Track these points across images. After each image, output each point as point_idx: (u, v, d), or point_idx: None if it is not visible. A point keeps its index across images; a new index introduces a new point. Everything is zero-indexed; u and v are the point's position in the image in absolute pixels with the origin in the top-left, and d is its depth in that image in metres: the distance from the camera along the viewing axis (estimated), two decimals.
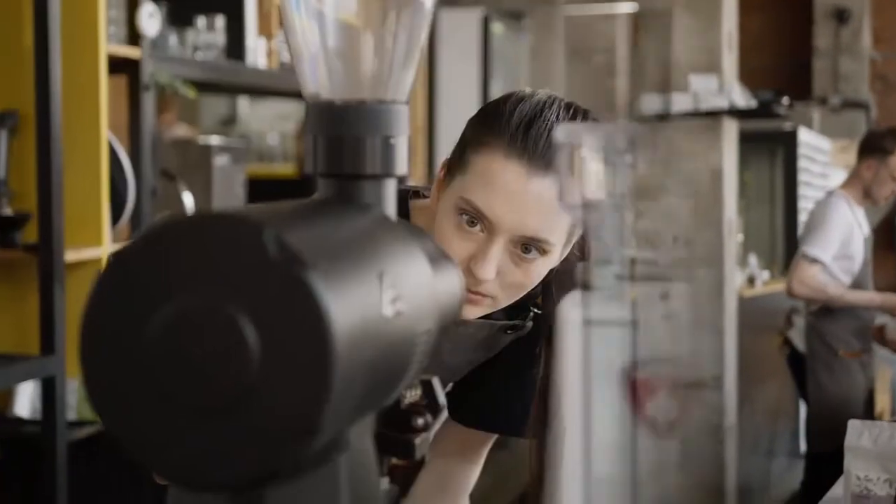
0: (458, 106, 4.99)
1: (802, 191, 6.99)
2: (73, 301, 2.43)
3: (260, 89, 3.85)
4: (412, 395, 0.83)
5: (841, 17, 9.38)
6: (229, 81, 3.23)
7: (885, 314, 4.43)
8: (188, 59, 2.99)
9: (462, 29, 5.56)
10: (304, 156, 0.81)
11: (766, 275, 5.84)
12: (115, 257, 0.62)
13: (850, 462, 1.90)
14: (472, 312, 1.28)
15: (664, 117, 5.06)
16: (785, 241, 6.86)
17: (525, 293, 1.30)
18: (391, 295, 0.69)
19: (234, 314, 0.61)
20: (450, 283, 0.85)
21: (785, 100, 5.75)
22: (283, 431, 0.60)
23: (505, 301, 1.28)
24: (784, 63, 8.99)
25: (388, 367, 0.70)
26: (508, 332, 1.40)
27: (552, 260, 1.28)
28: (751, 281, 5.54)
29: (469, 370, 1.43)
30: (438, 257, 0.85)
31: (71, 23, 2.49)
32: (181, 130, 4.16)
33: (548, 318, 1.36)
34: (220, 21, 3.05)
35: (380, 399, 0.72)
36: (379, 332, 0.67)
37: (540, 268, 1.27)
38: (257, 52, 3.27)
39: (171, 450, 0.61)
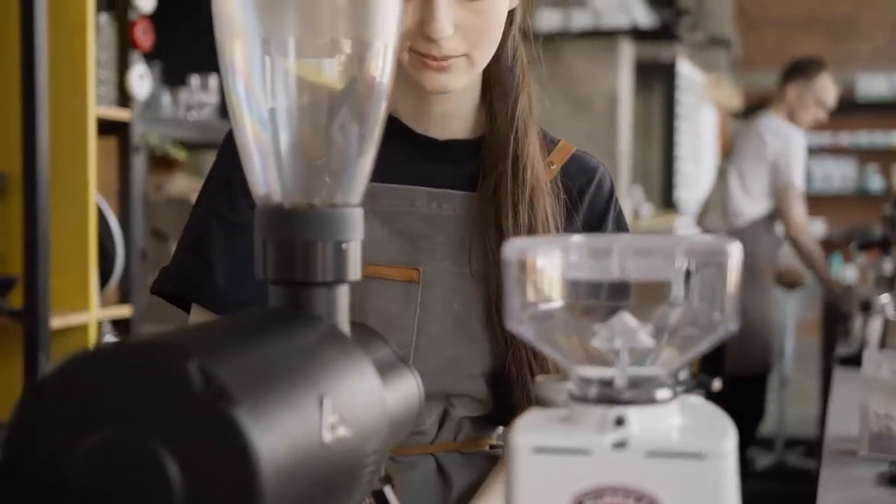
0: None
1: (677, 124, 6.95)
2: None
3: None
4: None
5: None
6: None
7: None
8: (181, 118, 2.98)
9: None
10: (255, 261, 0.78)
11: (648, 207, 5.83)
12: (35, 388, 0.59)
13: (868, 397, 1.71)
14: (453, 81, 1.18)
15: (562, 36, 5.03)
16: (661, 174, 6.79)
17: (495, 40, 1.19)
18: (332, 420, 0.66)
19: (157, 449, 0.58)
20: (405, 391, 0.82)
21: (686, 20, 5.69)
22: None
23: (481, 56, 1.19)
24: None
25: (328, 494, 0.66)
26: None
27: None
28: (635, 214, 5.54)
29: None
30: (393, 365, 0.82)
31: (60, 84, 2.47)
32: (181, 181, 4.14)
33: None
34: (213, 80, 3.04)
35: None
36: (318, 461, 0.63)
37: (496, 5, 1.17)
38: None
39: None
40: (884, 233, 4.38)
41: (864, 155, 10.21)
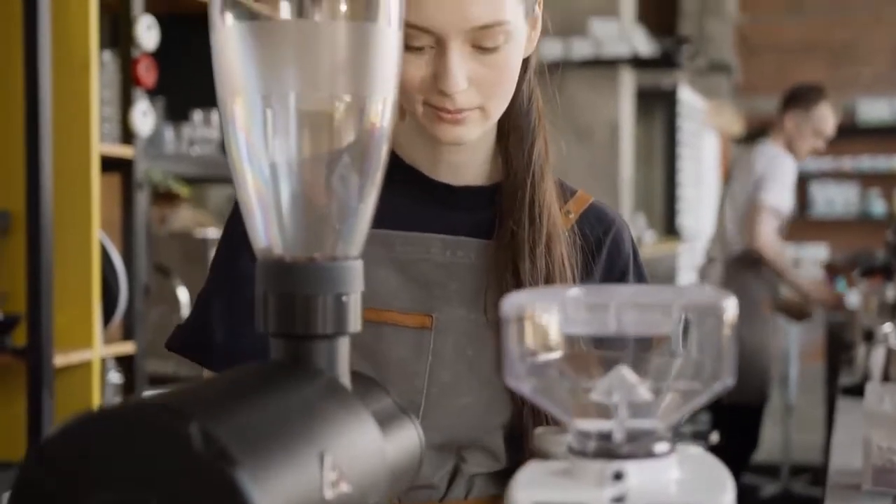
0: None
1: (679, 150, 6.96)
2: (62, 407, 2.40)
3: None
4: None
5: None
6: (225, 176, 3.22)
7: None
8: (183, 154, 2.99)
9: None
10: (255, 313, 0.79)
11: (651, 235, 5.83)
12: (37, 450, 0.60)
13: (869, 430, 1.71)
14: (467, 133, 1.17)
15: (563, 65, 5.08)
16: (664, 201, 6.80)
17: (510, 91, 1.18)
18: (333, 476, 0.66)
19: None
20: (406, 442, 0.82)
21: (687, 49, 5.71)
22: None
23: (495, 108, 1.17)
24: (652, 21, 9.02)
25: None
26: None
27: (519, 42, 1.17)
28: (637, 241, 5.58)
29: None
30: (393, 415, 0.82)
31: (63, 121, 2.49)
32: (185, 213, 4.16)
33: None
34: (216, 115, 3.06)
35: None
36: None
37: (510, 56, 1.15)
38: None
39: None
40: (887, 258, 4.38)
41: (867, 179, 10.22)
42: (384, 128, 0.79)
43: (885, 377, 2.74)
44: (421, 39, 1.12)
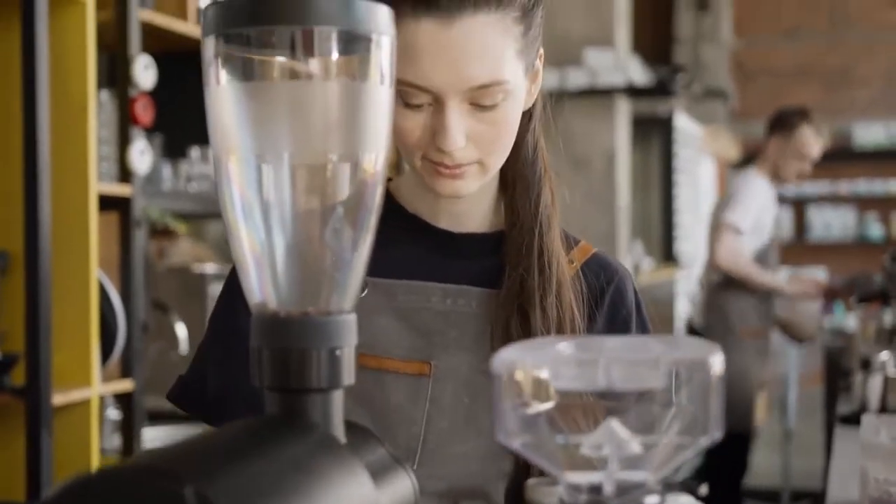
0: None
1: (675, 177, 6.98)
2: (61, 445, 2.41)
3: None
4: None
5: (702, 4, 9.49)
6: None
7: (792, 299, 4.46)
8: (181, 190, 3.01)
9: None
10: (251, 367, 0.80)
11: (649, 261, 5.83)
12: None
13: (866, 462, 1.71)
14: (466, 187, 1.17)
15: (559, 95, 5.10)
16: (661, 228, 6.81)
17: (508, 145, 1.18)
18: None
19: None
20: (400, 493, 0.83)
21: (682, 77, 5.73)
22: None
23: (494, 162, 1.17)
24: (648, 49, 9.06)
25: None
26: None
27: (519, 98, 1.17)
28: (635, 269, 5.54)
29: None
30: (387, 466, 0.83)
31: (62, 161, 2.50)
32: (185, 247, 4.17)
33: None
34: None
35: None
36: None
37: (509, 112, 1.15)
38: None
39: None
40: (884, 284, 4.38)
41: (864, 203, 10.24)
42: (377, 182, 0.81)
43: (883, 406, 2.74)
44: (419, 97, 1.12)
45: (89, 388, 2.53)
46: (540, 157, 1.27)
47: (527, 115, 1.24)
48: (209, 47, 0.78)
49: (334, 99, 0.79)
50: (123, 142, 2.69)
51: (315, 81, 0.78)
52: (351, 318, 0.79)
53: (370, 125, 0.80)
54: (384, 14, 0.79)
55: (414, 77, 1.11)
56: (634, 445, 0.69)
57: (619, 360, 0.69)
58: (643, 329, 1.28)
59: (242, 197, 0.79)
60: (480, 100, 1.13)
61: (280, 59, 0.90)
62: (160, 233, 3.46)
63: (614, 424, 0.69)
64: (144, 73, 2.69)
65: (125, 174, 2.70)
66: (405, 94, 1.12)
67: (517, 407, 0.70)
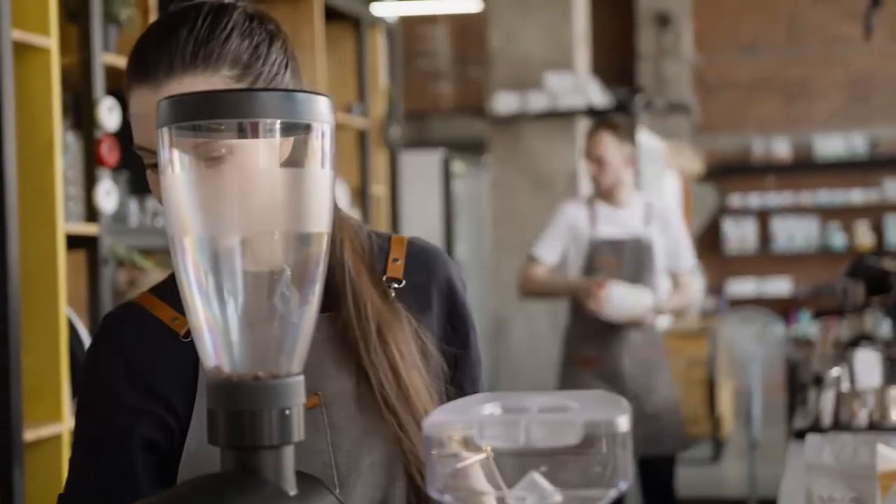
0: None
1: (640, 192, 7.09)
2: (33, 481, 2.46)
3: None
4: None
5: (663, 21, 9.62)
6: None
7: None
8: (148, 227, 3.07)
9: (424, 169, 5.72)
10: (207, 427, 0.87)
11: None
12: None
13: (811, 481, 1.77)
14: None
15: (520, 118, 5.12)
16: None
17: None
18: None
19: None
20: None
21: (640, 98, 5.82)
22: None
23: None
24: (610, 66, 9.19)
25: None
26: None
27: (260, 155, 1.16)
28: None
29: None
30: None
31: (29, 202, 2.56)
32: (155, 276, 4.21)
33: None
34: None
35: None
36: None
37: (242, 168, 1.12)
38: None
39: None
40: (839, 302, 4.46)
41: (826, 213, 10.40)
42: (321, 251, 0.88)
43: (836, 421, 2.82)
44: (152, 158, 1.18)
45: (60, 424, 2.58)
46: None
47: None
48: (164, 138, 0.85)
49: (279, 183, 0.87)
50: (89, 182, 2.75)
51: (261, 168, 0.86)
52: (299, 380, 0.87)
53: (313, 204, 0.87)
54: (324, 104, 0.86)
55: (138, 139, 1.19)
56: (556, 496, 0.77)
57: (537, 421, 0.77)
58: (465, 315, 1.35)
59: (196, 272, 0.86)
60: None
61: (228, 147, 0.98)
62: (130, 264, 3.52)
63: (536, 477, 0.77)
64: (109, 114, 2.76)
65: (92, 213, 2.76)
66: (141, 156, 1.20)
67: (447, 463, 0.78)
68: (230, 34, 1.19)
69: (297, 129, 0.86)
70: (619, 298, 3.89)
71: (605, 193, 4.13)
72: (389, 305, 1.29)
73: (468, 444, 0.78)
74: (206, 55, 1.18)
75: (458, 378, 1.34)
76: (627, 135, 4.08)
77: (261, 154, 0.86)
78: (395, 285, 1.31)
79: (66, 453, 2.61)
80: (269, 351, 0.87)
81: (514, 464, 0.79)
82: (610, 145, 3.98)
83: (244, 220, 0.86)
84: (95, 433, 1.25)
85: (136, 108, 1.19)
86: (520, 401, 0.82)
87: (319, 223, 0.87)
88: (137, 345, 1.26)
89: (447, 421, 0.78)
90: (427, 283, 1.34)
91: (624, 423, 0.76)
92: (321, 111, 0.86)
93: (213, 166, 1.00)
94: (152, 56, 1.18)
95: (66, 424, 2.60)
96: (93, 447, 1.25)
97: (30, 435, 2.48)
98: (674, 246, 4.14)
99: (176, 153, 0.86)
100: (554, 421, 0.77)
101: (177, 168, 0.86)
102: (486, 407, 0.80)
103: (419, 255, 1.35)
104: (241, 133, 0.86)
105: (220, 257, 0.86)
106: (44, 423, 2.54)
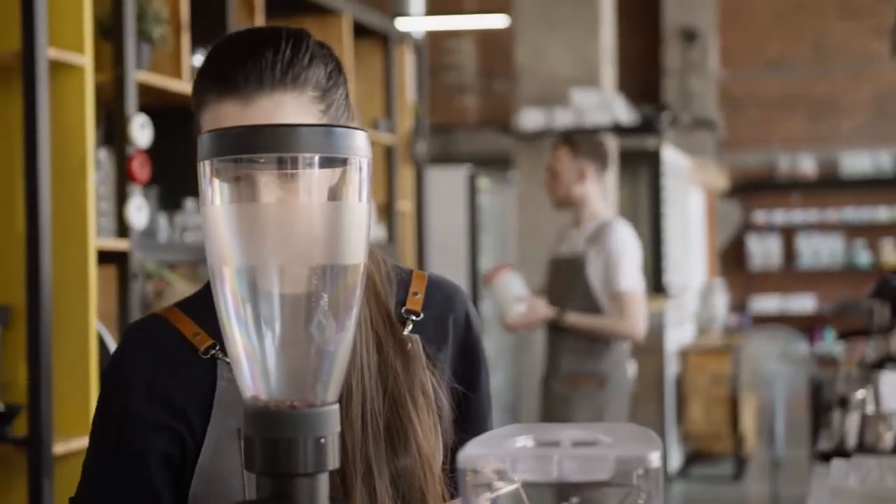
0: (448, 260, 5.14)
1: (664, 209, 7.07)
2: (62, 495, 2.48)
3: None
4: None
5: (689, 37, 9.59)
6: None
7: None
8: (177, 242, 3.10)
9: (450, 184, 5.74)
10: (243, 454, 0.89)
11: None
12: None
13: None
14: None
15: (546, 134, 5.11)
16: (650, 259, 6.88)
17: None
18: None
19: None
20: None
21: (666, 114, 5.81)
22: None
23: None
24: (636, 82, 9.17)
25: None
26: None
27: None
28: None
29: None
30: None
31: (62, 218, 2.59)
32: (181, 289, 4.23)
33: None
34: None
35: None
36: None
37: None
38: None
39: None
40: (865, 322, 4.43)
41: (851, 230, 10.36)
42: (357, 282, 0.90)
43: (860, 444, 2.81)
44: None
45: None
46: None
47: None
48: (205, 170, 0.87)
49: (317, 215, 0.88)
50: (121, 198, 2.79)
51: (299, 201, 0.88)
52: (334, 409, 0.88)
53: (351, 236, 0.89)
54: (361, 138, 0.88)
55: None
56: None
57: (570, 455, 0.78)
58: (480, 356, 1.36)
59: (235, 301, 0.88)
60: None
61: (268, 181, 1.00)
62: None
63: None
64: (141, 131, 2.79)
65: (123, 229, 2.79)
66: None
67: (481, 494, 0.80)
68: (312, 59, 1.22)
69: (336, 163, 0.88)
70: (501, 286, 3.95)
71: (558, 205, 4.17)
72: (395, 335, 1.29)
73: (501, 476, 0.79)
74: (294, 76, 1.20)
75: (464, 418, 1.33)
76: (586, 153, 4.06)
77: (300, 187, 0.88)
78: (414, 318, 1.32)
79: None
80: (305, 379, 0.89)
81: (545, 495, 0.80)
82: (563, 159, 4.04)
83: (282, 251, 0.87)
84: (112, 445, 1.26)
85: (220, 122, 1.19)
86: (552, 433, 0.83)
87: (356, 255, 0.89)
88: (157, 358, 1.27)
89: (481, 454, 0.80)
90: (444, 317, 1.35)
91: (656, 459, 0.77)
92: (359, 145, 0.88)
93: (253, 199, 1.02)
94: (240, 71, 1.19)
95: None
96: (109, 459, 1.26)
97: (59, 448, 2.51)
98: (610, 265, 3.96)
99: (216, 185, 0.88)
100: (586, 456, 0.78)
101: (216, 200, 0.87)
102: (518, 440, 0.81)
103: (438, 290, 1.36)
104: (281, 167, 0.88)
105: (259, 287, 0.87)
106: (74, 437, 2.57)
